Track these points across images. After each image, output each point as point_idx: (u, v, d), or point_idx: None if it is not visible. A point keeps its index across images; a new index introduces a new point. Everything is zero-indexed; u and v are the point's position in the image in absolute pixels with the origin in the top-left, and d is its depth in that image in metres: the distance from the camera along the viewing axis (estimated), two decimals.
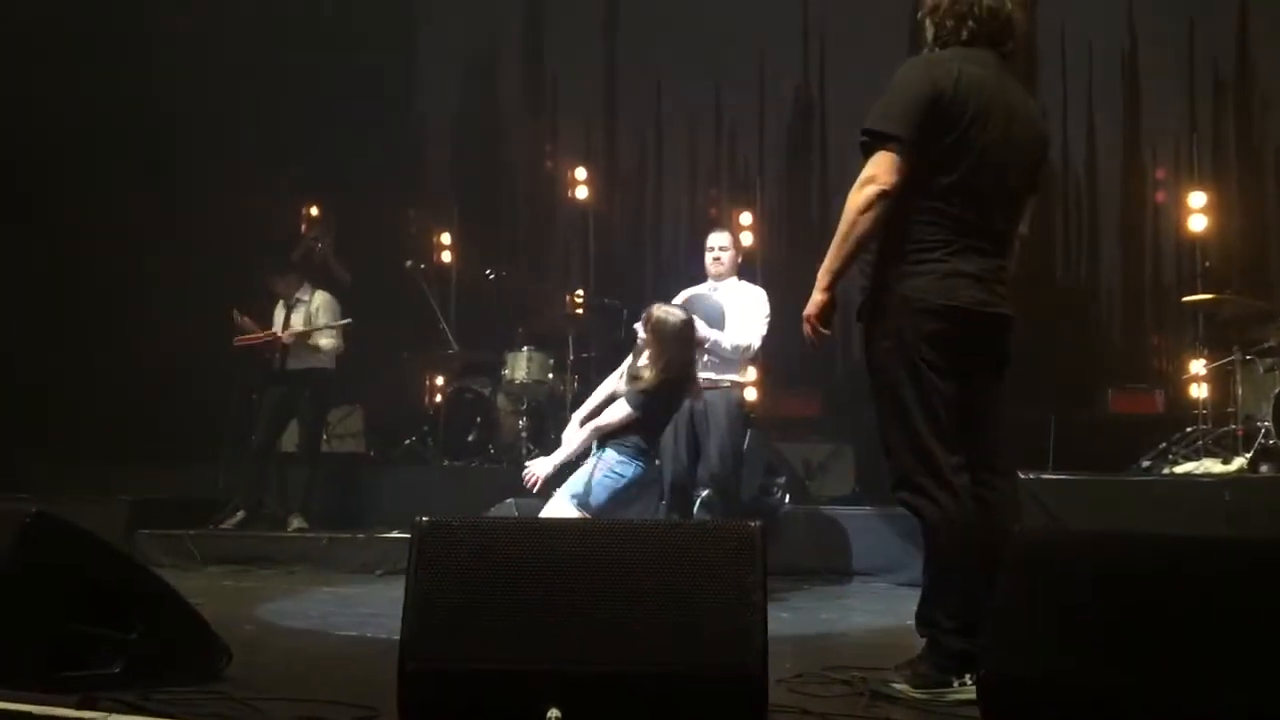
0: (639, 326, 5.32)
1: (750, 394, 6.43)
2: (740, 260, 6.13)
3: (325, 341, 7.68)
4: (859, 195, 3.20)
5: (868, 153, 3.24)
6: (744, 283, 6.11)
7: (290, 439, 7.94)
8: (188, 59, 8.94)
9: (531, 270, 10.61)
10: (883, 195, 3.17)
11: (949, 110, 3.19)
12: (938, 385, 3.22)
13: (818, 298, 3.31)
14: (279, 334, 7.61)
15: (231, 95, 9.12)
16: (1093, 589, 2.47)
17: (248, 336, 7.65)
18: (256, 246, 8.71)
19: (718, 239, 6.06)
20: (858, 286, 3.40)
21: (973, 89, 3.22)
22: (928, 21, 3.42)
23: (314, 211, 9.60)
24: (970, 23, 3.31)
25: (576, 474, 5.13)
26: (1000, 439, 3.41)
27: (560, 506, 5.01)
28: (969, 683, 3.03)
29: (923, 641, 3.28)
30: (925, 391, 3.22)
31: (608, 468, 5.05)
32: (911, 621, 3.38)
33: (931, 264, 3.23)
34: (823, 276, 3.30)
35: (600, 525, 2.91)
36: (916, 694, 3.15)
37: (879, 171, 3.18)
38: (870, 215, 3.19)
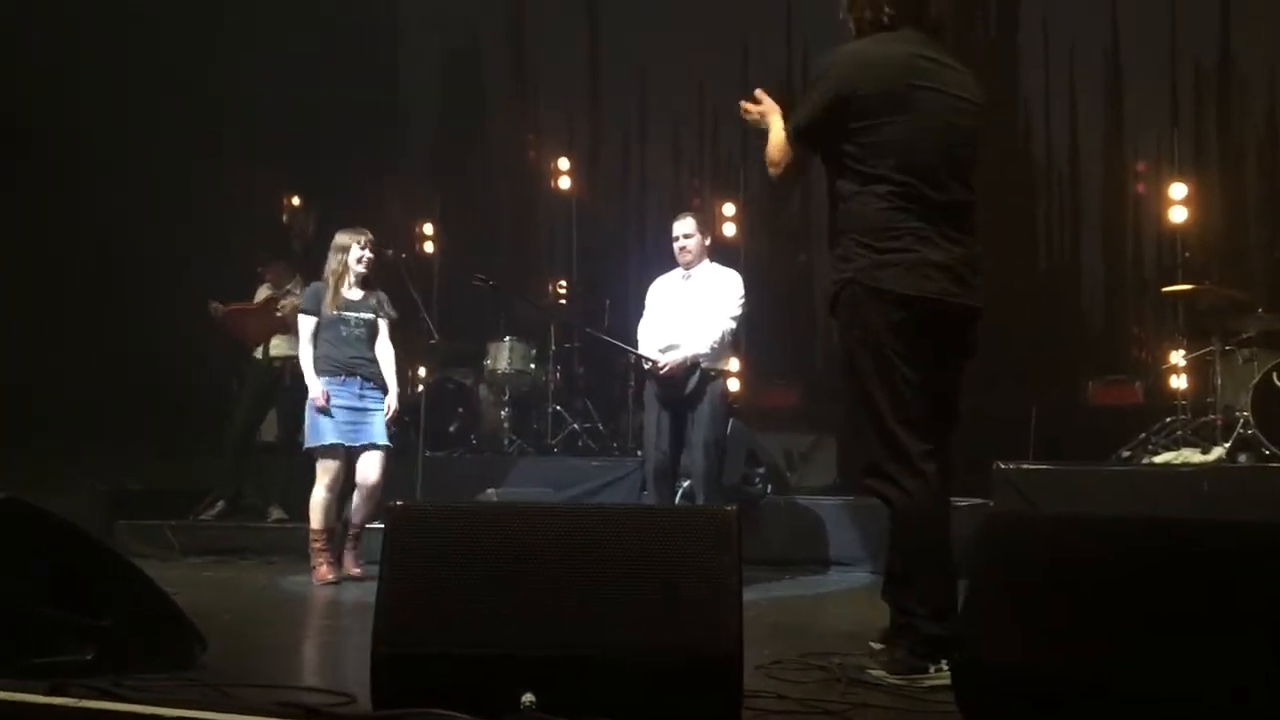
0: None
1: (733, 384, 6.41)
2: (710, 244, 6.03)
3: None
4: (770, 166, 3.52)
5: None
6: (715, 265, 6.06)
7: (269, 429, 7.91)
8: (166, 50, 8.88)
9: (515, 261, 10.60)
10: (771, 173, 3.50)
11: (863, 98, 3.31)
12: (906, 374, 3.27)
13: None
14: (276, 301, 7.55)
15: (213, 87, 9.07)
16: (1065, 573, 2.46)
17: (237, 304, 7.61)
18: (240, 237, 8.66)
19: (681, 226, 6.01)
20: (829, 279, 3.46)
21: (889, 69, 3.34)
22: (849, 19, 3.53)
23: (295, 201, 9.56)
24: (887, 8, 3.43)
25: None
26: (954, 427, 3.46)
27: None
28: (945, 668, 3.05)
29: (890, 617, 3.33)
30: (893, 380, 3.27)
31: None
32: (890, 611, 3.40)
33: (899, 253, 3.28)
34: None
35: (575, 508, 2.90)
36: (893, 679, 3.16)
37: (777, 155, 3.47)
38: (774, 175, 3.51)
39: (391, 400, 6.02)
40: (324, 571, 5.79)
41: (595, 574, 2.58)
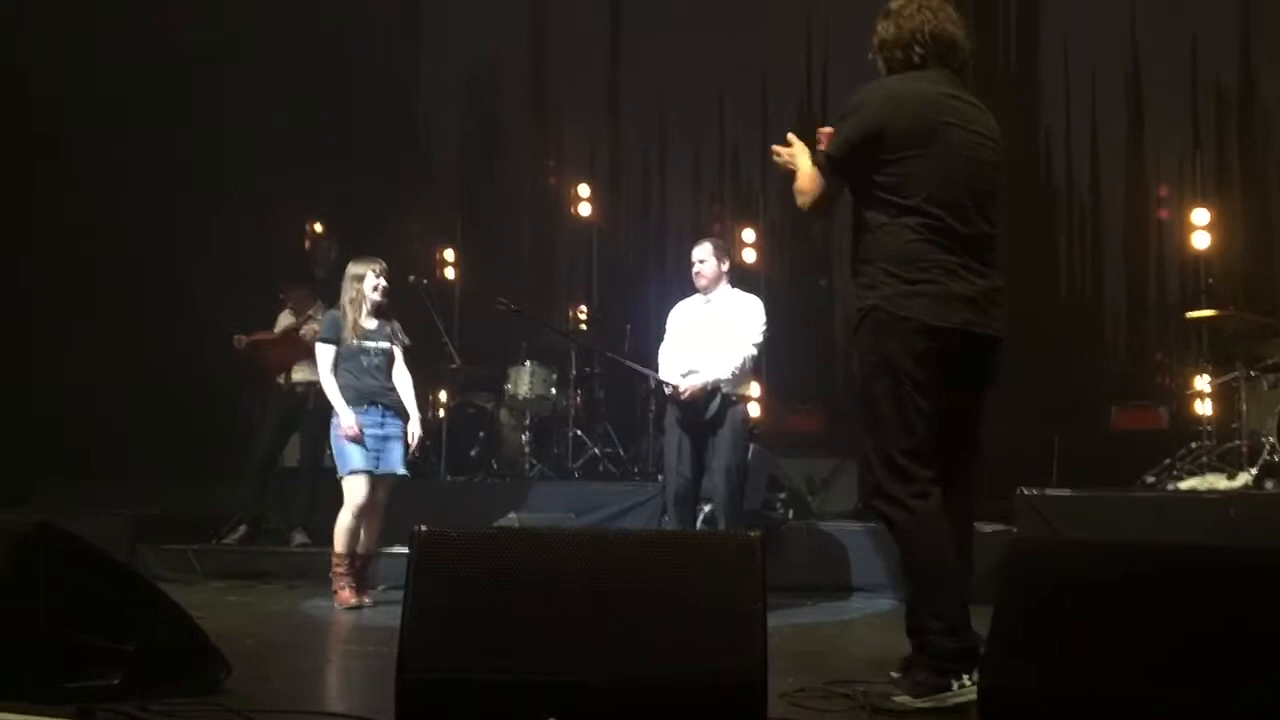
0: None
1: (754, 409, 6.41)
2: (727, 268, 6.01)
3: None
4: (798, 197, 3.58)
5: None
6: (737, 291, 6.05)
7: (292, 454, 7.94)
8: (190, 82, 8.97)
9: (535, 287, 10.63)
10: (801, 204, 3.55)
11: (897, 133, 3.39)
12: (920, 403, 3.35)
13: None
14: (296, 329, 7.59)
15: (237, 115, 9.15)
16: (1092, 598, 2.46)
17: (260, 334, 7.66)
18: (262, 263, 8.71)
19: (697, 252, 6.04)
20: (854, 305, 3.53)
21: (921, 105, 3.44)
22: (877, 56, 3.64)
23: (318, 228, 9.62)
24: (918, 49, 3.54)
25: None
26: (971, 456, 3.54)
27: None
28: (968, 683, 3.07)
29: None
30: (906, 408, 3.35)
31: None
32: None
33: (926, 284, 3.36)
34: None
35: (600, 534, 2.90)
36: (919, 703, 3.17)
37: (808, 186, 3.54)
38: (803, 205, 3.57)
39: (415, 428, 6.04)
40: (346, 595, 5.81)
41: (620, 599, 2.58)
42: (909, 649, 3.40)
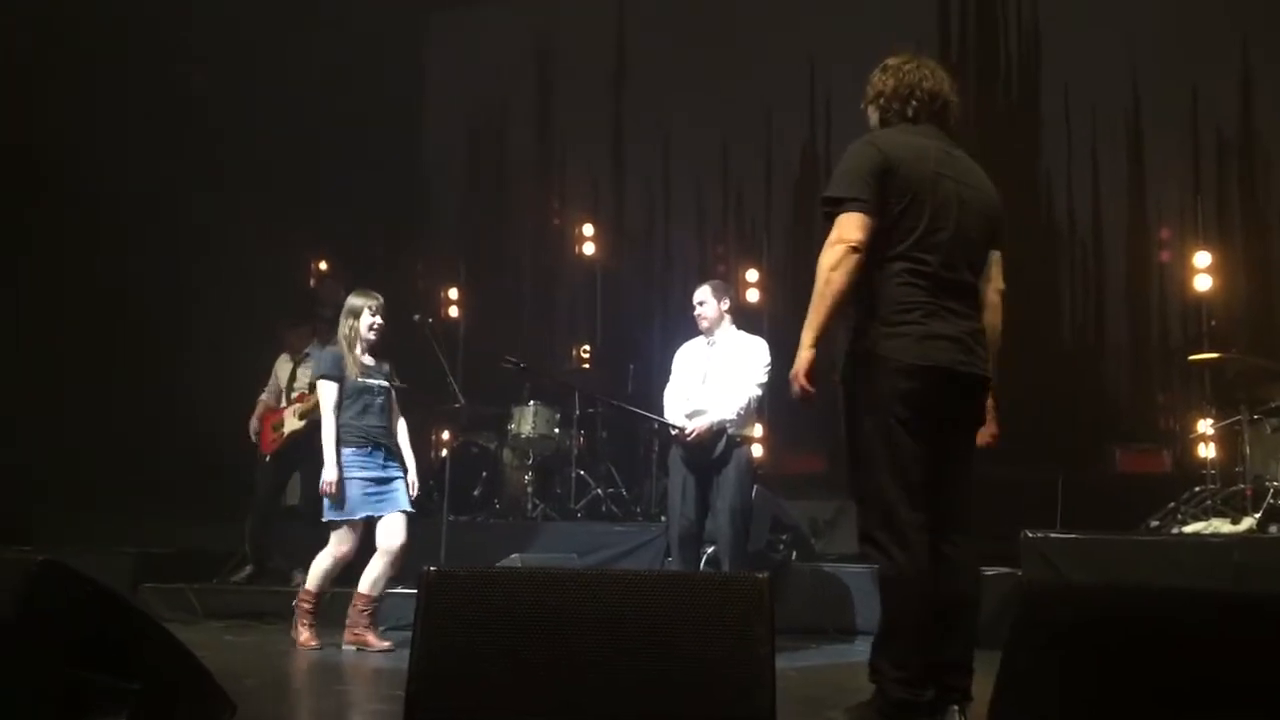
0: None
1: (757, 450, 6.42)
2: (728, 308, 6.04)
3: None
4: (828, 254, 3.41)
5: (830, 219, 3.46)
6: (741, 333, 6.08)
7: (293, 493, 7.92)
8: (193, 118, 9.03)
9: (539, 326, 10.64)
10: (851, 250, 3.38)
11: (898, 174, 3.42)
12: (908, 444, 3.38)
13: (803, 355, 3.48)
14: (283, 410, 7.59)
15: (241, 155, 9.21)
16: (1103, 642, 2.45)
17: (267, 411, 7.67)
18: (267, 303, 8.75)
19: (698, 294, 6.08)
20: (840, 348, 3.58)
21: (918, 154, 3.48)
22: (871, 108, 3.71)
23: (323, 267, 9.66)
24: (914, 103, 3.62)
25: None
26: (968, 497, 3.55)
27: None
28: None
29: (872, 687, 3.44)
30: (895, 449, 3.38)
31: None
32: None
33: (909, 325, 3.41)
34: (806, 334, 3.49)
35: (608, 575, 2.89)
36: None
37: (844, 231, 3.41)
38: (842, 271, 3.38)
39: (413, 476, 5.95)
40: (307, 637, 5.75)
41: (629, 642, 2.57)
42: None
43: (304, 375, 7.69)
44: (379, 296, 5.98)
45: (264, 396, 7.75)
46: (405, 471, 5.93)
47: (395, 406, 6.01)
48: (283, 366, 7.79)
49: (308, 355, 7.71)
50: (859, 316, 3.49)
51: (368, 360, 5.91)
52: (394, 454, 5.92)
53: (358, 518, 5.75)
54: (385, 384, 5.93)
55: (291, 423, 7.46)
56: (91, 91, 8.51)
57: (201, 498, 8.36)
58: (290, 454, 7.61)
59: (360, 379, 5.84)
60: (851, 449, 3.49)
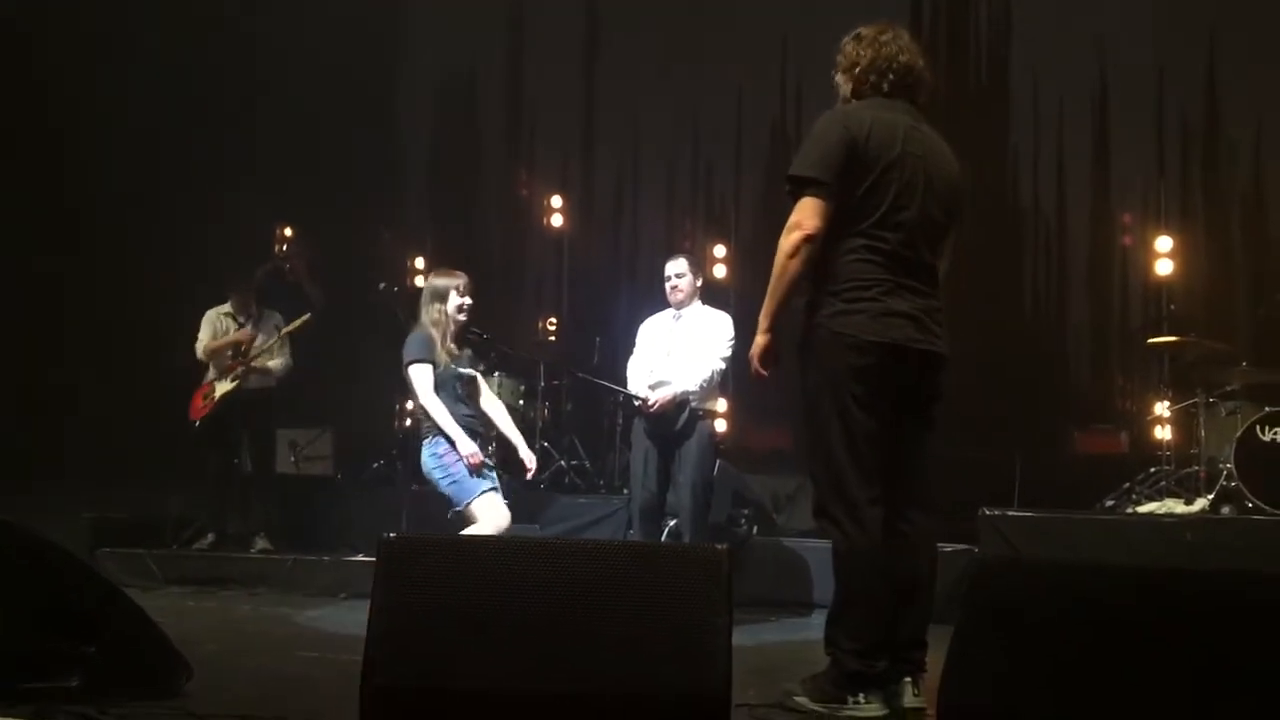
0: None
1: (720, 425, 6.45)
2: (701, 285, 6.08)
3: (275, 362, 7.65)
4: (786, 240, 3.43)
5: (794, 199, 3.46)
6: (707, 308, 6.11)
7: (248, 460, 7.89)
8: (164, 80, 8.93)
9: (505, 297, 10.62)
10: (808, 239, 3.40)
11: (866, 153, 3.42)
12: (861, 420, 3.41)
13: (759, 339, 3.54)
14: (245, 337, 7.53)
15: (210, 118, 9.12)
16: (1052, 618, 2.49)
17: (220, 342, 7.59)
18: (230, 264, 8.65)
19: (674, 266, 6.07)
20: (798, 325, 3.59)
21: (888, 132, 3.47)
22: (844, 77, 3.68)
23: (288, 231, 9.58)
24: (890, 76, 3.60)
25: None
26: (926, 474, 3.59)
27: None
28: (862, 701, 3.35)
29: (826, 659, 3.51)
30: (849, 425, 3.42)
31: None
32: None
33: (866, 303, 3.43)
34: (762, 319, 3.53)
35: (568, 543, 2.91)
36: (815, 706, 3.39)
37: (803, 217, 3.42)
38: (798, 259, 3.42)
39: (527, 453, 5.54)
40: None
41: (587, 610, 2.59)
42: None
43: (261, 338, 7.63)
44: (464, 275, 5.41)
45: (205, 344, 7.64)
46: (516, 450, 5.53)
47: (487, 391, 5.57)
48: (221, 320, 7.69)
49: (252, 318, 7.62)
50: (816, 293, 3.50)
51: (453, 347, 5.34)
52: (488, 442, 5.49)
53: (486, 489, 5.28)
54: (471, 371, 5.42)
55: (223, 386, 7.44)
56: (45, 52, 8.41)
57: (153, 463, 8.27)
58: (226, 417, 7.54)
59: (453, 367, 5.32)
60: (808, 424, 3.52)
